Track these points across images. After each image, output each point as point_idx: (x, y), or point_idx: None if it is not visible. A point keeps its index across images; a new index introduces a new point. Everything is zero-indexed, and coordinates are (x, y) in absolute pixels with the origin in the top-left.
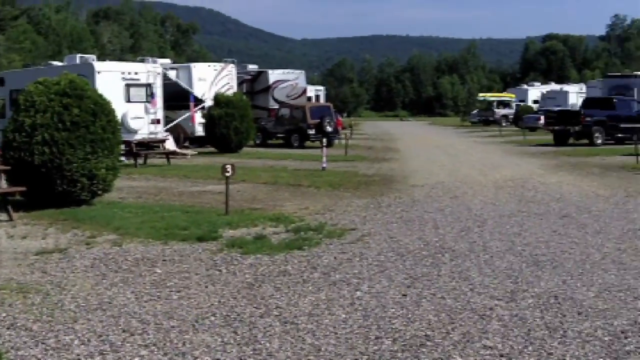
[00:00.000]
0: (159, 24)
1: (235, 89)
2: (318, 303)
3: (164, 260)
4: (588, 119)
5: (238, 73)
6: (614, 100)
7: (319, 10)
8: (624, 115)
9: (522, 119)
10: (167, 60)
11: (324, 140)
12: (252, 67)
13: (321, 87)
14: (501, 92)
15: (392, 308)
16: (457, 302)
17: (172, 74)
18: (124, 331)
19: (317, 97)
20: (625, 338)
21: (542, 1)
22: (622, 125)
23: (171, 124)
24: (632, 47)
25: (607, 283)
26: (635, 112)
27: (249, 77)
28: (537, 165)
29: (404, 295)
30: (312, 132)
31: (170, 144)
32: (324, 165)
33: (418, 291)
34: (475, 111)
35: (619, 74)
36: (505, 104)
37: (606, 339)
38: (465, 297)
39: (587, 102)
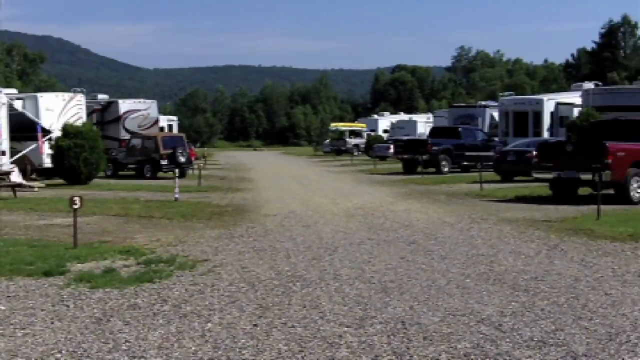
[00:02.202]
0: (5, 53)
1: (84, 119)
2: (168, 336)
3: (8, 297)
4: (435, 147)
5: (88, 103)
6: (460, 130)
7: (172, 40)
8: (469, 144)
9: (373, 148)
10: (13, 90)
11: (177, 170)
12: (103, 97)
13: (174, 117)
14: (353, 122)
15: (243, 338)
16: (307, 330)
17: (18, 104)
18: None
19: (170, 127)
20: None
21: (391, 33)
22: (467, 154)
23: (17, 156)
24: (477, 78)
25: (452, 307)
26: (480, 140)
27: (99, 107)
28: (387, 194)
29: (254, 325)
30: (164, 162)
31: (16, 176)
32: (177, 196)
33: (269, 320)
34: (327, 141)
35: (464, 104)
36: (356, 134)
37: None
38: (315, 325)
39: (434, 132)
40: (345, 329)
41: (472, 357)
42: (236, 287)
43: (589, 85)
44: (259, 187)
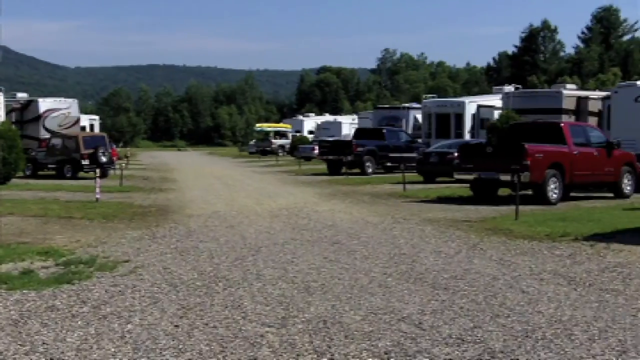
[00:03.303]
0: None
1: (3, 118)
2: (87, 337)
3: None
4: (359, 148)
5: (6, 101)
6: (384, 131)
7: (95, 38)
8: (393, 145)
9: (298, 149)
10: None
11: (98, 171)
12: (22, 96)
13: (96, 117)
14: (278, 122)
15: (163, 339)
16: (229, 330)
17: None
18: None
19: (92, 126)
20: (388, 359)
21: (317, 34)
22: (391, 155)
23: None
24: (401, 80)
25: (374, 306)
26: (404, 142)
27: (18, 105)
28: (312, 194)
29: (176, 326)
30: (85, 162)
31: None
32: (98, 196)
33: (190, 321)
34: (253, 141)
35: (389, 105)
36: (281, 135)
37: None
38: (237, 325)
39: (359, 133)
40: (267, 328)
41: (392, 354)
42: (158, 288)
43: (509, 88)
44: (182, 188)
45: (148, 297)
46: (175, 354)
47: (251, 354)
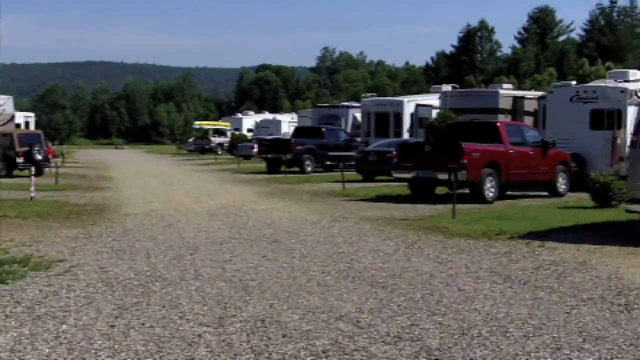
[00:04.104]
0: None
1: None
2: (20, 338)
3: None
4: (299, 147)
5: None
6: (323, 130)
7: (30, 34)
8: (332, 144)
9: (237, 147)
10: None
11: (33, 168)
12: None
13: (31, 114)
14: (217, 120)
15: (99, 340)
16: (166, 330)
17: None
18: None
19: (27, 124)
20: (326, 358)
21: (256, 32)
22: (330, 154)
23: None
24: (341, 79)
25: (312, 305)
26: (343, 140)
27: None
28: (250, 193)
29: (111, 326)
30: (20, 160)
31: None
32: (33, 194)
33: (126, 322)
34: (191, 139)
35: (328, 104)
36: (220, 133)
37: (308, 359)
38: (174, 325)
39: (298, 131)
40: (205, 328)
41: (330, 353)
42: (93, 288)
43: (447, 87)
44: (119, 186)
45: (83, 297)
46: (110, 354)
47: (188, 354)
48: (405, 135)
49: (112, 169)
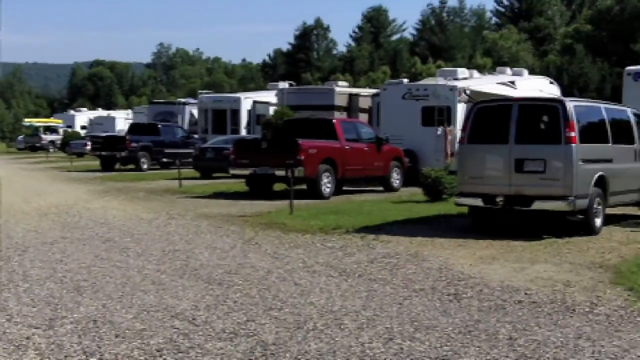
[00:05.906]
0: None
1: None
2: None
3: None
4: (134, 144)
5: None
6: (159, 126)
7: None
8: (169, 141)
9: (70, 144)
10: None
11: None
12: None
13: None
14: (48, 117)
15: None
16: None
17: None
18: None
19: None
20: (161, 356)
21: (89, 28)
22: (166, 151)
23: None
24: (177, 75)
25: (146, 304)
26: (179, 137)
27: None
28: (84, 191)
29: None
30: None
31: None
32: None
33: None
34: (21, 137)
35: (165, 100)
36: (52, 130)
37: (142, 358)
38: (1, 328)
39: (133, 128)
40: (34, 330)
41: (165, 352)
42: None
43: (283, 84)
44: None
45: None
46: None
47: (16, 357)
48: (243, 132)
49: None
